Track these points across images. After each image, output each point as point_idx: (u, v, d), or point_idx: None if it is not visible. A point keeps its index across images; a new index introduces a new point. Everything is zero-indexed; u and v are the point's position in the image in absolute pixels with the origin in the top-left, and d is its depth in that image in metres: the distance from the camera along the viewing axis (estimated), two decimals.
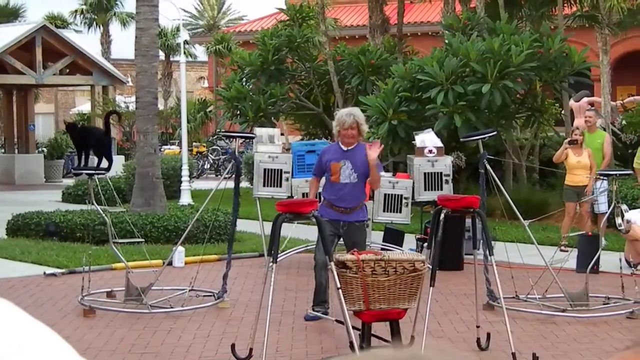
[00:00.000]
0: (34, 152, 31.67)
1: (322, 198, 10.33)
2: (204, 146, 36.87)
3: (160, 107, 32.02)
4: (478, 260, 9.99)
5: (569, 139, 15.05)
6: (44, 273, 12.92)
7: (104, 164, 22.83)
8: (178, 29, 39.15)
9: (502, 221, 15.39)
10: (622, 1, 24.80)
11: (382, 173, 10.77)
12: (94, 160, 23.98)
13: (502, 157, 18.69)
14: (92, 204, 11.05)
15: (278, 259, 9.11)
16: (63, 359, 1.24)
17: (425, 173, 13.55)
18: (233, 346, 8.60)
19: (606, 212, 13.00)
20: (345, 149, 9.82)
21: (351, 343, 8.05)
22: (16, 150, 30.83)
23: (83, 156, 27.29)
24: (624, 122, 20.48)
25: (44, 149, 33.31)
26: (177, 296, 11.06)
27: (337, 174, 9.81)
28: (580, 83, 19.05)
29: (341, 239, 10.00)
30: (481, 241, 10.14)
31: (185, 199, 20.88)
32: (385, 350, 1.07)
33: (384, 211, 13.43)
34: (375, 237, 14.22)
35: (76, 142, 26.96)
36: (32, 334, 1.24)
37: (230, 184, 11.17)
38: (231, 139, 21.85)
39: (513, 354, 8.20)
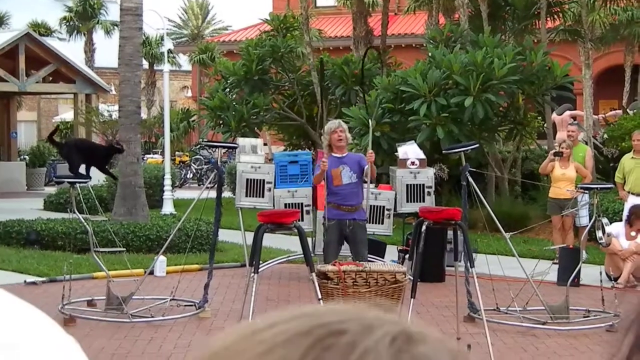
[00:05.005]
0: (16, 159, 31.54)
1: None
2: (187, 155, 36.79)
3: (144, 116, 31.96)
4: (459, 272, 9.99)
5: (553, 150, 15.06)
6: (25, 281, 12.87)
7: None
8: (162, 38, 39.12)
9: (483, 233, 15.42)
10: (604, 16, 25.04)
11: (365, 185, 11.10)
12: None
13: (485, 169, 18.73)
14: (74, 212, 11.03)
15: (260, 270, 9.11)
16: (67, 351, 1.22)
17: (407, 185, 13.57)
18: None
19: (587, 226, 13.03)
20: (339, 156, 10.77)
21: None
22: None
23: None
24: (605, 135, 20.57)
25: (26, 157, 33.20)
26: (158, 306, 11.03)
27: (339, 178, 10.72)
28: (562, 97, 19.12)
29: (345, 246, 10.98)
30: (462, 253, 10.16)
31: (168, 208, 20.84)
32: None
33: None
34: None
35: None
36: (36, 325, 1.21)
37: (213, 194, 11.17)
38: (214, 149, 21.84)
39: None
